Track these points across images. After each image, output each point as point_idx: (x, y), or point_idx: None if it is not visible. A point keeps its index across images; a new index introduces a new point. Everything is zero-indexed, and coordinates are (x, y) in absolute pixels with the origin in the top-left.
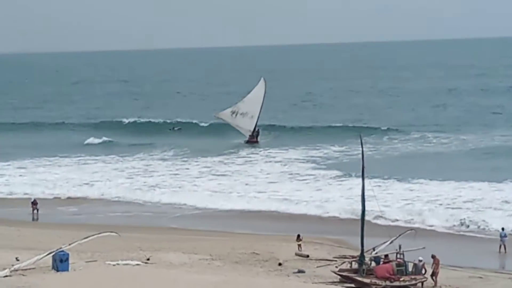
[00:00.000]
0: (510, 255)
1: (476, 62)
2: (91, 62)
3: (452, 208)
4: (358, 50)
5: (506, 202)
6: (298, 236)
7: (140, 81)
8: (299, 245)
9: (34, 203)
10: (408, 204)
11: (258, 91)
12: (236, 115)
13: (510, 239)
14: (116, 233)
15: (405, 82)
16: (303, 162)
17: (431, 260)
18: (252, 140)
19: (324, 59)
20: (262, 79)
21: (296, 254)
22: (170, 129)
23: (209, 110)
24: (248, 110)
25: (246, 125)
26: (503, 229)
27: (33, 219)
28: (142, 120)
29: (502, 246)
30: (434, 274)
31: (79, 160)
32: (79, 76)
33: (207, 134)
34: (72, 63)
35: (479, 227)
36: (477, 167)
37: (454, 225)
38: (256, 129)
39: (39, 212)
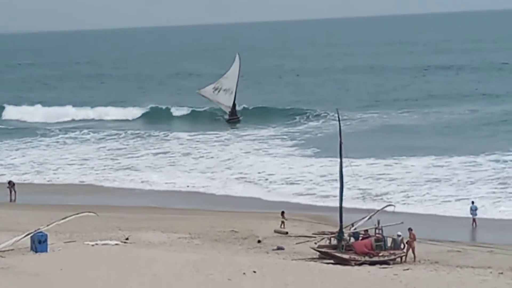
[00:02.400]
0: (487, 229)
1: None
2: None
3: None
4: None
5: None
6: (283, 212)
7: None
8: (283, 222)
9: (11, 183)
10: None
11: (235, 67)
12: (218, 91)
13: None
14: (94, 213)
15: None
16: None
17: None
18: (234, 118)
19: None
20: (237, 55)
21: (275, 231)
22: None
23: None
24: (229, 86)
25: (227, 101)
26: (473, 202)
27: (10, 200)
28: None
29: (474, 220)
30: (410, 248)
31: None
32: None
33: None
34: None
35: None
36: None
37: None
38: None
39: (16, 193)
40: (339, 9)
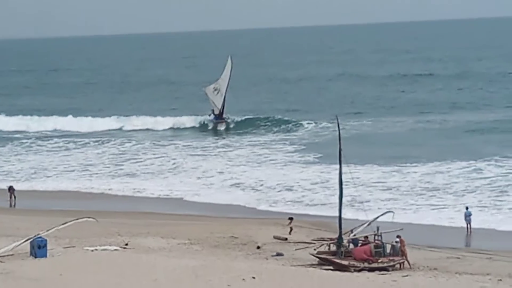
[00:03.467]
0: (486, 236)
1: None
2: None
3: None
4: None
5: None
6: (291, 218)
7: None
8: (291, 228)
9: (11, 189)
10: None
11: (227, 70)
12: (217, 92)
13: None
14: (94, 218)
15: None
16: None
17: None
18: (220, 120)
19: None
20: (229, 58)
21: (275, 237)
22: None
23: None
24: (221, 88)
25: (218, 103)
26: (467, 208)
27: (10, 206)
28: None
29: (468, 225)
30: (403, 255)
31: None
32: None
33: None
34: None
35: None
36: None
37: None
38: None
39: (16, 198)
40: (331, 16)
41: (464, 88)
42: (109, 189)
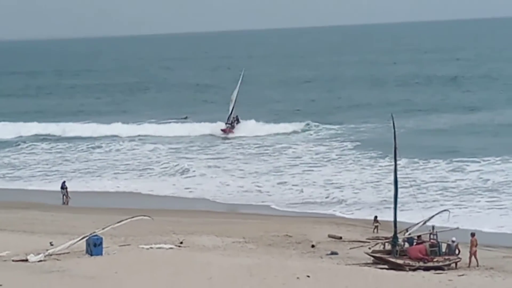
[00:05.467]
0: None
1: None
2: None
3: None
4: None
5: None
6: (376, 217)
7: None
8: (376, 227)
9: (63, 187)
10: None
11: (239, 82)
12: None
13: None
14: (149, 216)
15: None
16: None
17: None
18: (227, 130)
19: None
20: (242, 71)
21: (329, 236)
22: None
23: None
24: (232, 98)
25: (229, 111)
26: None
27: (63, 203)
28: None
29: None
30: (471, 253)
31: None
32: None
33: None
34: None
35: None
36: None
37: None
38: (235, 116)
39: (68, 195)
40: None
41: None
42: (162, 188)
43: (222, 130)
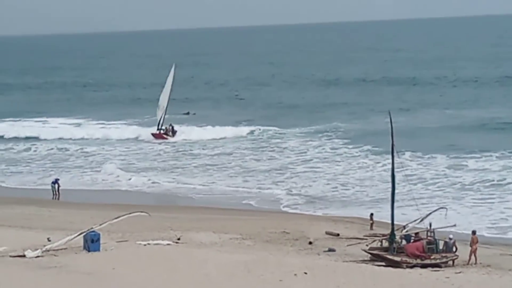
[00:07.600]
0: None
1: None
2: None
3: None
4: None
5: None
6: (372, 215)
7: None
8: (372, 224)
9: (54, 182)
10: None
11: (169, 80)
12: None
13: None
14: (146, 213)
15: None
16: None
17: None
18: (160, 135)
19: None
20: (173, 65)
21: (327, 233)
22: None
23: None
24: (162, 103)
25: (158, 118)
26: None
27: (53, 198)
28: None
29: None
30: (472, 251)
31: None
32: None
33: None
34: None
35: None
36: None
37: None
38: (169, 124)
39: (59, 190)
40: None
41: None
42: (160, 184)
43: (153, 134)
